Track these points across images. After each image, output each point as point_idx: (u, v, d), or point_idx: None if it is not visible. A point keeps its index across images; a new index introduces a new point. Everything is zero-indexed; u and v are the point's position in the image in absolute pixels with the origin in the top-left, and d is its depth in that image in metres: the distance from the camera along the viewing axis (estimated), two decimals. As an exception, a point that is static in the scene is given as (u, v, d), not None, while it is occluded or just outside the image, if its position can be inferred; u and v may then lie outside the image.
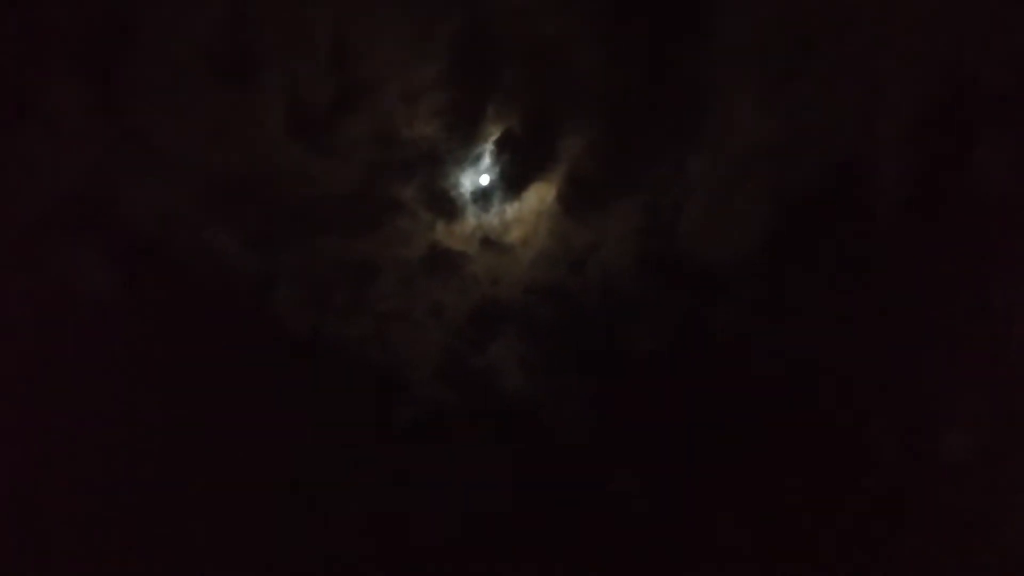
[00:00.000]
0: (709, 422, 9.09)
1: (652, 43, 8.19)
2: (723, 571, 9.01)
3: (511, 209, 8.93)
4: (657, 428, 9.14)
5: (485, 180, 8.81)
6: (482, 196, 8.87)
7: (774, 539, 8.97)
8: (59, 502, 8.42)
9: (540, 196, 8.89)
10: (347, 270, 8.75)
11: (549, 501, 9.14)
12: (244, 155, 8.02)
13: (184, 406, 8.61)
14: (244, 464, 8.64)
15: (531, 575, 8.98)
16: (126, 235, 8.12)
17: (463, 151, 8.58)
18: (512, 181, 8.79)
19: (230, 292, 8.45)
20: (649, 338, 9.07)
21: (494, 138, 8.57)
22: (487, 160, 8.71)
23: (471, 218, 8.92)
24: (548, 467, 9.16)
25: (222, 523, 8.61)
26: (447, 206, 8.79)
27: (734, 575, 9.01)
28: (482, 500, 8.99)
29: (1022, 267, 8.69)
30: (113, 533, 8.49)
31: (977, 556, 8.54)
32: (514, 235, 8.99)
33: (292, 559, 8.72)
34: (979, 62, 8.36)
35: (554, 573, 9.01)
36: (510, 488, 9.08)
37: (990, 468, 8.63)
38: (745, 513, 9.02)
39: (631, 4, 8.18)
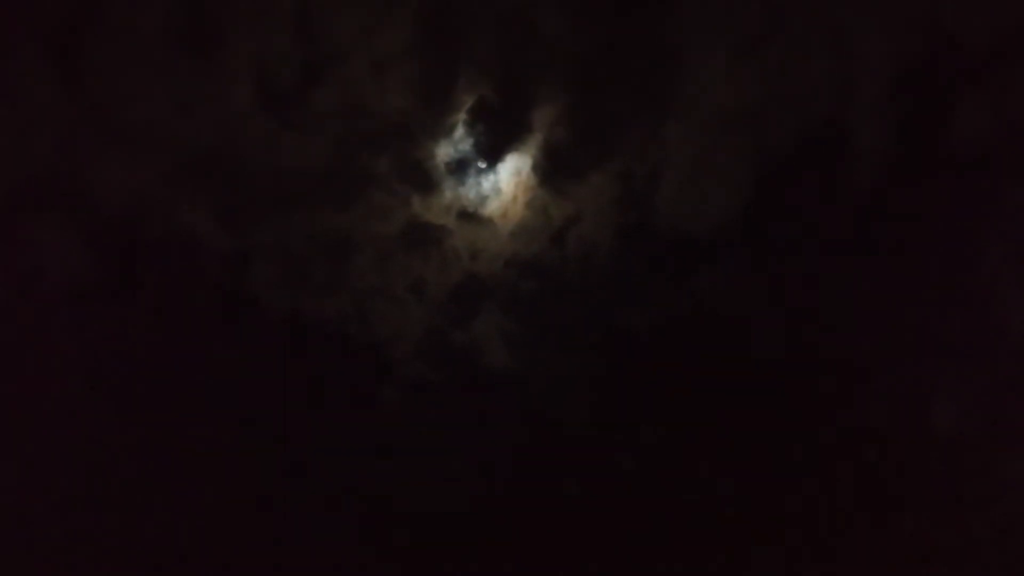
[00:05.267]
0: (696, 395, 9.03)
1: (622, 7, 8.11)
2: (717, 545, 8.96)
3: (487, 181, 8.87)
4: (644, 400, 9.09)
5: (460, 151, 8.74)
6: (458, 168, 8.80)
7: (768, 512, 8.92)
8: (33, 485, 8.38)
9: (516, 167, 8.82)
10: (323, 246, 8.67)
11: (537, 478, 9.08)
12: (213, 130, 7.94)
13: (161, 388, 8.55)
14: (223, 445, 8.59)
15: (518, 553, 8.92)
16: (95, 214, 8.03)
17: (436, 121, 8.48)
18: (487, 152, 8.71)
19: (205, 270, 8.37)
20: (632, 310, 9.00)
21: (467, 107, 8.48)
22: (461, 131, 8.63)
23: (447, 191, 8.84)
24: (535, 443, 9.10)
25: (202, 503, 8.57)
26: (423, 179, 8.69)
27: (728, 549, 8.95)
28: (468, 478, 8.92)
29: (1007, 227, 8.63)
30: (92, 515, 8.46)
31: (972, 530, 8.50)
32: (492, 207, 8.93)
33: (275, 538, 8.68)
34: (956, 20, 8.29)
35: (541, 551, 8.95)
36: (497, 465, 9.00)
37: (985, 441, 8.58)
38: (738, 486, 8.98)
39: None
